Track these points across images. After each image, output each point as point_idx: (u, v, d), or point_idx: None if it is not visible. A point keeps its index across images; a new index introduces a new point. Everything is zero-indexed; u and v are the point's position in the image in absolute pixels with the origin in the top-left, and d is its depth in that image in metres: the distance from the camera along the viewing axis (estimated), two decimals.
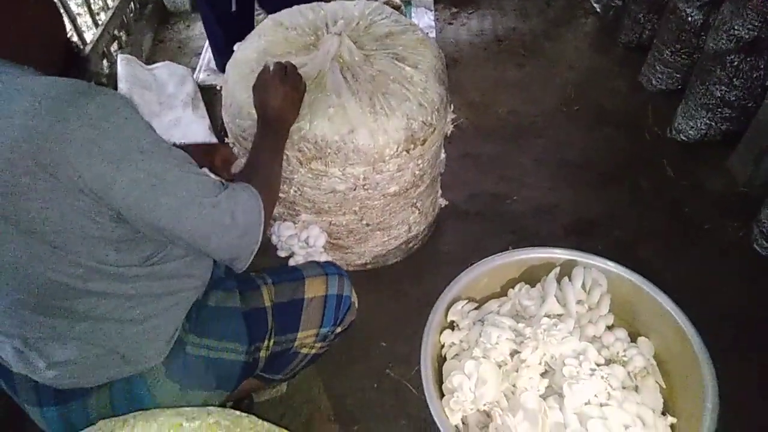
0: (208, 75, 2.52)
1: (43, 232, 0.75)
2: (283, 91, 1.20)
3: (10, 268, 0.78)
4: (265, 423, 0.79)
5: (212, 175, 1.32)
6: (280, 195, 1.48)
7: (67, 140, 0.72)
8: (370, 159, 1.33)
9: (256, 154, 1.15)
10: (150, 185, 0.79)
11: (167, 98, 2.31)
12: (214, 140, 2.13)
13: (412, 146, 1.37)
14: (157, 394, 0.96)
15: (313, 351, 1.19)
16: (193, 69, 2.56)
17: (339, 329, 1.19)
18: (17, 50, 0.79)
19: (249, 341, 1.07)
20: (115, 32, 2.45)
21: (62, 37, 0.90)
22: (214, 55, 2.46)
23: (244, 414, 0.80)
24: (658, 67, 2.32)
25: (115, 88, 2.23)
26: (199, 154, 1.20)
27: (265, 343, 1.10)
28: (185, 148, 1.14)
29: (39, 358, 0.88)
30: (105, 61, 2.36)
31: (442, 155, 1.64)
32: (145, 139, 0.79)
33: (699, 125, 2.06)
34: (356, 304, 1.22)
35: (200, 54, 2.68)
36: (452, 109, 1.56)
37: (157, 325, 0.94)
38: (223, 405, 1.04)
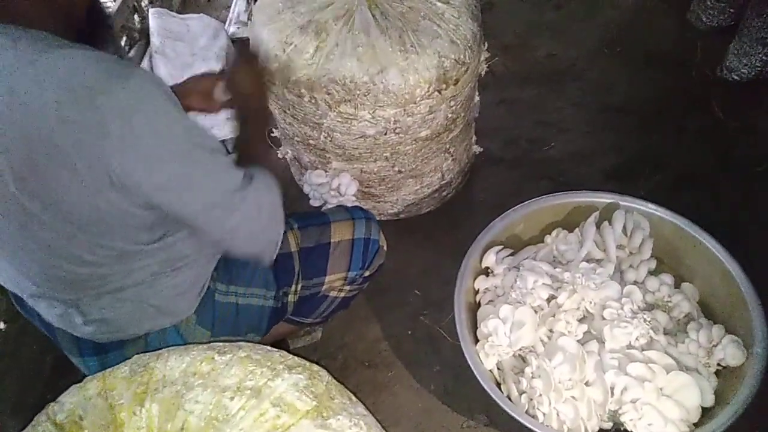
0: (239, 28, 2.49)
1: (80, 223, 0.77)
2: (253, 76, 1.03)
3: (44, 246, 0.80)
4: (296, 357, 0.79)
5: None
6: (310, 142, 1.46)
7: (104, 135, 0.70)
8: (401, 100, 1.29)
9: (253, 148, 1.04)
10: (180, 187, 0.78)
11: (200, 50, 2.29)
12: None
13: (444, 86, 1.32)
14: (191, 342, 0.98)
15: (342, 294, 1.19)
16: (224, 22, 2.53)
17: (367, 273, 1.18)
18: (39, 9, 0.76)
19: (276, 286, 1.08)
20: None
21: None
22: None
23: (275, 349, 0.80)
24: (709, 2, 2.16)
25: (147, 42, 2.23)
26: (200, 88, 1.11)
27: (293, 287, 1.11)
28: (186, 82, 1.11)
29: (77, 315, 0.90)
30: (136, 16, 2.35)
31: (476, 98, 1.58)
32: (177, 135, 0.77)
33: (753, 62, 1.92)
34: (385, 248, 1.21)
35: (230, 7, 2.65)
36: (486, 47, 1.49)
37: (187, 278, 0.95)
38: None
